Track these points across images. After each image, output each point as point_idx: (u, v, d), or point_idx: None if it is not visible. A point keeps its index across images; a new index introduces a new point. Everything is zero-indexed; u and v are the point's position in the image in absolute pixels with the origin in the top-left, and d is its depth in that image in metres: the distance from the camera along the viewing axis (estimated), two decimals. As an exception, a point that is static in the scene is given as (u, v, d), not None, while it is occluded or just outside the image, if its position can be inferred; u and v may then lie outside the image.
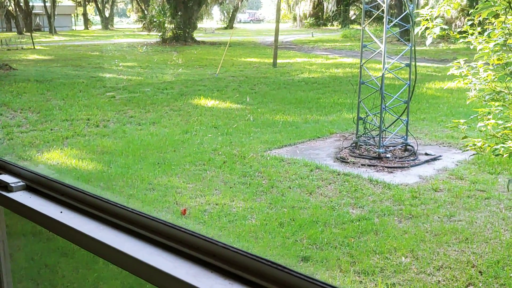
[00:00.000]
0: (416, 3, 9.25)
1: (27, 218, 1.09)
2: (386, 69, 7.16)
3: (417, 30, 4.54)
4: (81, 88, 13.26)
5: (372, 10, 8.74)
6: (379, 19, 10.67)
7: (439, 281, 3.84)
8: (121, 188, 5.95)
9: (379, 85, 7.16)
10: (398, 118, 7.51)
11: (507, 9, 3.29)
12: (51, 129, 8.91)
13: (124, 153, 7.39)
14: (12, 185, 1.19)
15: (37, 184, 1.15)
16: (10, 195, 1.18)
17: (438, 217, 5.04)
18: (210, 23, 49.95)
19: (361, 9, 10.03)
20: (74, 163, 6.89)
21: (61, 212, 1.02)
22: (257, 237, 4.64)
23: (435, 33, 4.11)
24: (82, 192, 1.03)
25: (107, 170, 6.59)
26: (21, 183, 1.17)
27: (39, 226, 1.06)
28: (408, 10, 7.01)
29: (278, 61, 19.47)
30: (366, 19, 8.33)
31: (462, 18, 26.14)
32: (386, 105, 7.19)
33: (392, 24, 7.60)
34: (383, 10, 7.19)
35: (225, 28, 54.44)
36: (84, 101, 11.44)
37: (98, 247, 0.95)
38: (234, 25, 51.83)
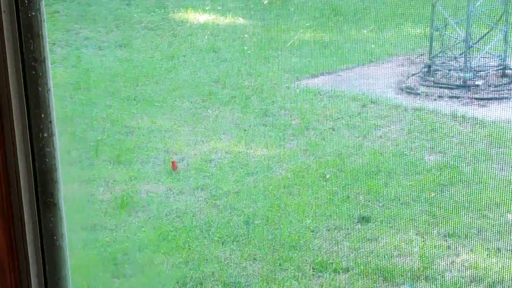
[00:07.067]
0: None
1: None
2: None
3: None
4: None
5: None
6: None
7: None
8: (83, 131, 6.08)
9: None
10: (492, 28, 7.53)
11: None
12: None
13: (83, 86, 7.50)
14: None
15: None
16: None
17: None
18: None
19: None
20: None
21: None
22: (290, 193, 4.78)
23: None
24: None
25: (66, 106, 6.70)
26: None
27: None
28: None
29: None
30: None
31: None
32: (476, 5, 7.20)
33: None
34: None
35: None
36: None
37: None
38: None
